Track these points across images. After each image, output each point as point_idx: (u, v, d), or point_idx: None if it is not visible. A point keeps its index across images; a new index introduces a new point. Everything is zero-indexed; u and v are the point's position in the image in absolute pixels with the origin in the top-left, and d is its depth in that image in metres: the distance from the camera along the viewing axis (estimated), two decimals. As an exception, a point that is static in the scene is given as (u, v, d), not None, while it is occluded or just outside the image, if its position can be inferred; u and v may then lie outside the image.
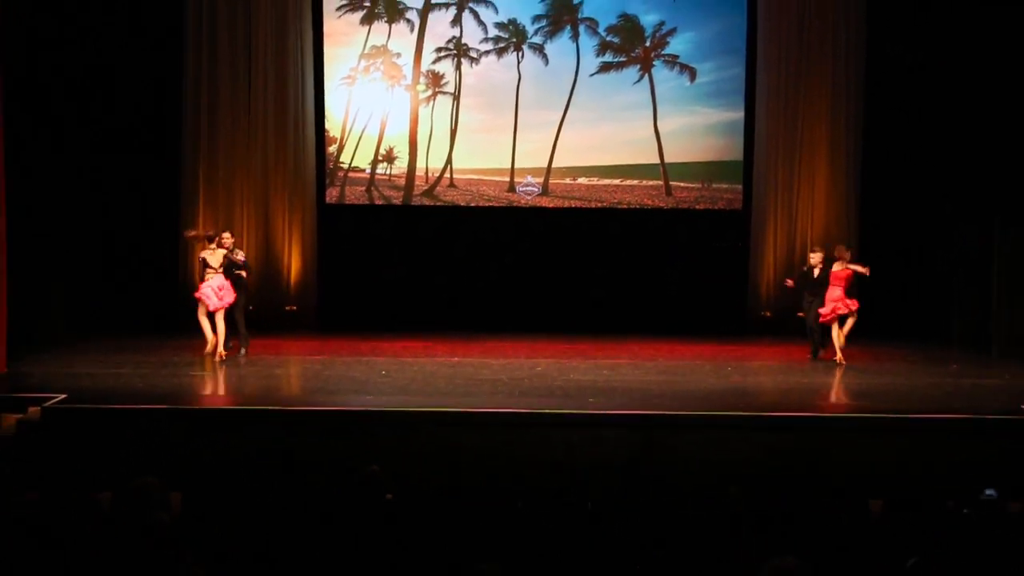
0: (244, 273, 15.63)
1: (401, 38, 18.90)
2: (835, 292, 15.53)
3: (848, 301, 15.57)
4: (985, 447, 11.61)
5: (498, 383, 13.93)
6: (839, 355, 15.49)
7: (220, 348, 15.21)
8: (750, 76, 18.72)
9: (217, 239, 15.39)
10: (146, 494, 6.86)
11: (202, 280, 15.31)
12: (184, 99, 18.50)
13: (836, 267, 15.60)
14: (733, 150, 18.96)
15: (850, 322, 15.65)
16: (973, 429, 12.05)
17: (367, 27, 18.88)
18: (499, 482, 7.76)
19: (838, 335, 15.55)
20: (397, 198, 19.18)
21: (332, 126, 19.03)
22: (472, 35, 18.85)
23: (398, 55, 18.94)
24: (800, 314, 16.22)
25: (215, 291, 15.15)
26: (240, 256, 15.58)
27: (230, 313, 15.37)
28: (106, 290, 17.66)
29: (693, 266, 18.86)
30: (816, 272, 15.67)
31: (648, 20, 18.77)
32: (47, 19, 15.77)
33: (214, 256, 15.24)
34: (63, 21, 16.19)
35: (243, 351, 15.54)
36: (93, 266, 17.28)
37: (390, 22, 18.88)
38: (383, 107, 19.04)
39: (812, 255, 15.97)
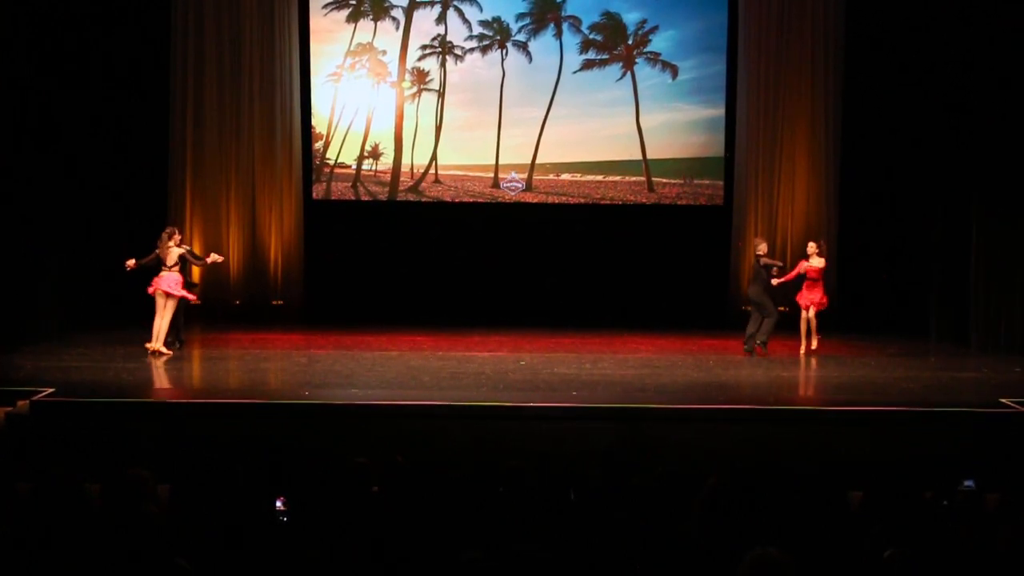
0: (212, 259, 15.75)
1: (386, 36, 19.01)
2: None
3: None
4: (964, 440, 11.72)
5: (482, 376, 14.02)
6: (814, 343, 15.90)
7: (159, 344, 15.23)
8: (731, 73, 18.88)
9: (172, 237, 15.37)
10: (135, 486, 6.94)
11: (156, 275, 15.27)
12: (171, 95, 18.57)
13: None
14: (714, 146, 19.11)
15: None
16: (952, 422, 12.17)
17: (353, 25, 18.98)
18: (483, 473, 7.83)
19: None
20: (383, 194, 19.28)
21: (318, 123, 19.13)
22: (457, 33, 18.97)
23: (383, 52, 19.04)
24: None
25: (178, 284, 15.19)
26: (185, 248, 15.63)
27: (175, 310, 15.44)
28: (94, 284, 17.70)
29: (675, 261, 18.99)
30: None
31: (630, 18, 18.91)
32: (33, 13, 15.80)
33: (170, 254, 15.23)
34: (48, 15, 16.20)
35: (179, 345, 15.56)
36: (81, 260, 17.31)
37: (376, 20, 18.99)
38: (369, 104, 19.15)
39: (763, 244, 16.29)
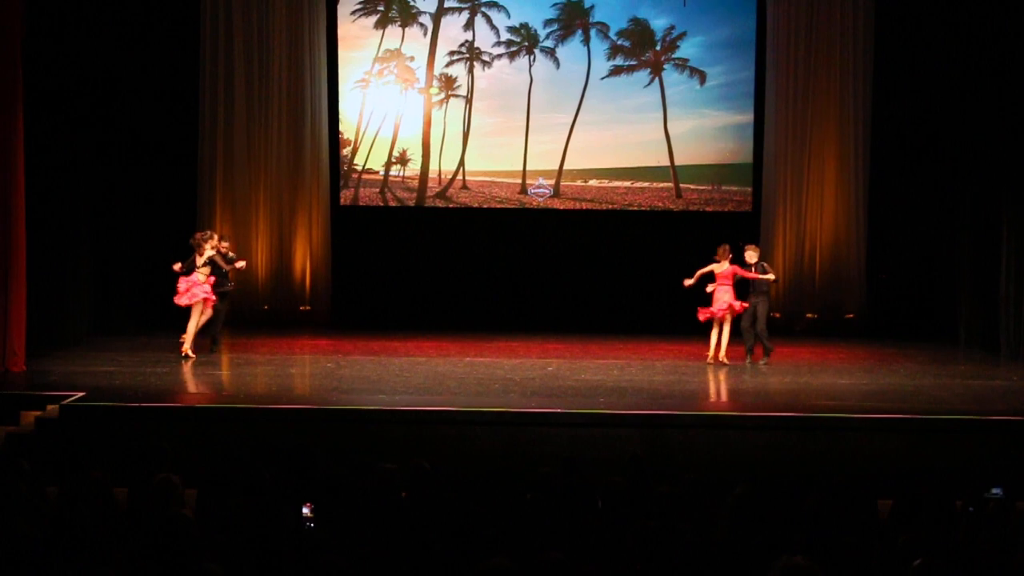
0: (237, 264, 15.70)
1: (414, 42, 19.05)
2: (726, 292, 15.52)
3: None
4: (994, 448, 11.64)
5: (509, 383, 13.99)
6: (722, 354, 15.48)
7: (188, 346, 15.24)
8: (759, 80, 18.83)
9: (206, 239, 15.39)
10: (163, 491, 6.97)
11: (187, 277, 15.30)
12: (200, 102, 18.66)
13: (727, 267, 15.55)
14: (742, 153, 19.08)
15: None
16: (982, 430, 12.09)
17: (381, 31, 19.03)
18: (510, 479, 7.84)
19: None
20: (410, 200, 19.32)
21: (346, 128, 19.18)
22: (484, 39, 19.00)
23: (411, 58, 19.08)
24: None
25: (201, 288, 15.21)
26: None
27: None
28: (124, 290, 17.81)
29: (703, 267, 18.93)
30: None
31: (658, 24, 18.90)
32: (67, 26, 15.90)
33: (202, 256, 15.28)
34: (82, 28, 16.31)
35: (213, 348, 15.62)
36: (111, 267, 17.40)
37: (403, 26, 19.03)
38: (396, 110, 19.19)
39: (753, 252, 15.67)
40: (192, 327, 15.16)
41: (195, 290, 15.08)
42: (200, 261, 15.20)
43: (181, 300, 15.15)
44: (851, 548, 6.45)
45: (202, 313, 15.18)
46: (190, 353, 15.13)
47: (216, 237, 15.54)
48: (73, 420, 11.96)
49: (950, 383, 14.52)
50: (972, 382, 14.66)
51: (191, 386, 13.98)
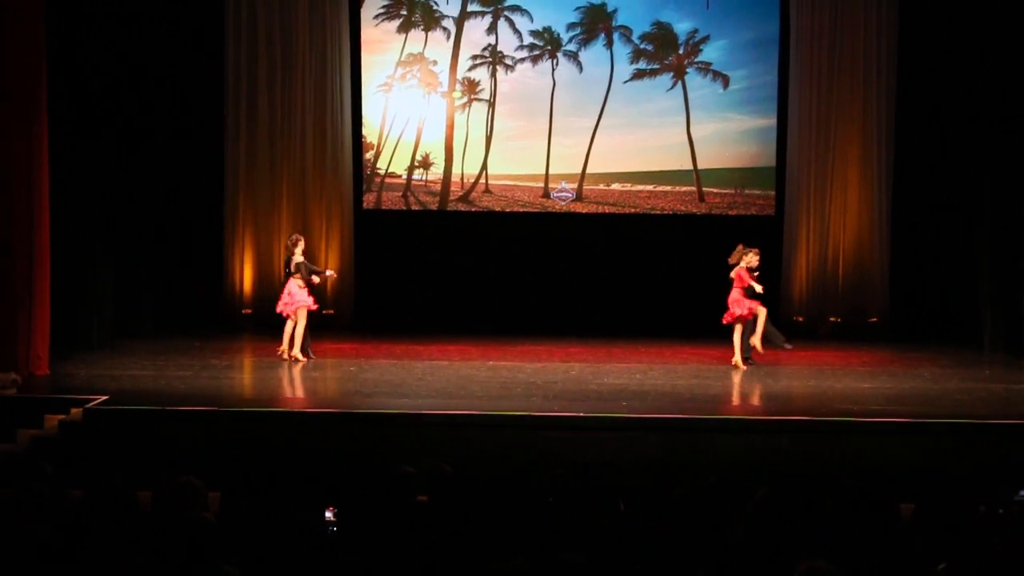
0: (324, 276, 15.84)
1: (437, 46, 19.07)
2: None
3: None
4: (1018, 452, 11.58)
5: (532, 386, 14.00)
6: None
7: (287, 350, 15.49)
8: (782, 83, 18.77)
9: (297, 244, 15.53)
10: (188, 493, 7.00)
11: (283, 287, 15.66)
12: (225, 106, 18.71)
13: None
14: (765, 156, 19.03)
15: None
16: (1006, 434, 12.05)
17: (404, 35, 19.05)
18: (531, 482, 7.83)
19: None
20: (433, 203, 19.34)
21: (369, 132, 19.21)
22: (507, 43, 19.00)
23: (434, 62, 19.10)
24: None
25: (304, 293, 15.43)
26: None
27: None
28: (147, 293, 17.86)
29: (726, 271, 18.89)
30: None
31: (681, 28, 18.87)
32: (92, 24, 15.99)
33: (292, 261, 15.45)
34: (107, 27, 16.38)
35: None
36: (134, 269, 17.46)
37: (426, 30, 19.05)
38: (419, 114, 19.21)
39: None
40: (286, 336, 15.42)
41: (287, 299, 15.42)
42: (291, 267, 15.38)
43: (278, 307, 15.41)
44: (873, 552, 6.44)
45: (295, 322, 15.38)
46: (299, 356, 15.37)
47: (296, 241, 15.63)
48: (96, 423, 12.03)
49: (974, 387, 14.45)
50: (995, 386, 14.59)
51: (214, 390, 14.02)
